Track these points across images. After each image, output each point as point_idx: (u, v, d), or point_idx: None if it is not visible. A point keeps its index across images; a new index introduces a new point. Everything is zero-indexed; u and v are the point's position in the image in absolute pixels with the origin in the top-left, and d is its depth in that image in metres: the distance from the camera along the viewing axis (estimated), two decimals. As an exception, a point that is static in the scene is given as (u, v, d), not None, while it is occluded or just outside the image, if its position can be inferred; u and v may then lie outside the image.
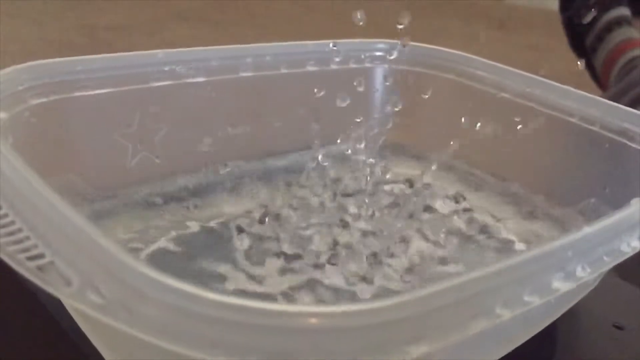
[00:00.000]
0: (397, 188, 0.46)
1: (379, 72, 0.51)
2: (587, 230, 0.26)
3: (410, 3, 0.42)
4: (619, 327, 0.38)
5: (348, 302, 0.30)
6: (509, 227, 0.44)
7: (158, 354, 0.21)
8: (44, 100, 0.36)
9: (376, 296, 0.35)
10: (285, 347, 0.19)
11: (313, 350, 0.19)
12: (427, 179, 0.46)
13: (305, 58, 0.47)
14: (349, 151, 0.45)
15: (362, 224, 0.41)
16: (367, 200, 0.43)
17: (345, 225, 0.40)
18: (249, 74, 0.44)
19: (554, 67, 0.47)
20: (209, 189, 0.44)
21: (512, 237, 0.43)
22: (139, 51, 0.41)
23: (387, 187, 0.46)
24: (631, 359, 0.36)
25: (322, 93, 0.44)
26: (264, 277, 0.36)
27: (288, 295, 0.35)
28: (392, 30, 0.44)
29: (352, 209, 0.43)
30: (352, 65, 0.49)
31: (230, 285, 0.35)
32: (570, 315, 0.35)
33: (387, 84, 0.51)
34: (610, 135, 0.41)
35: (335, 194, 0.43)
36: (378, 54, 0.51)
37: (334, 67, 0.47)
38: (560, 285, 0.24)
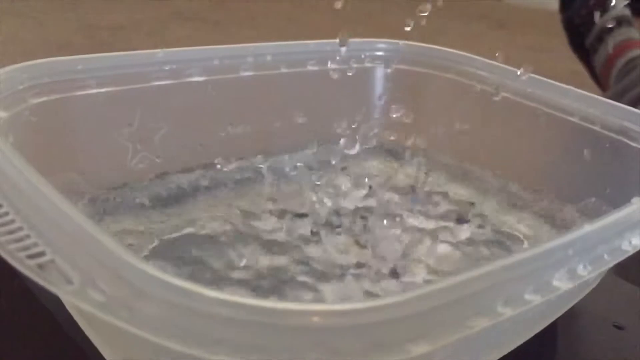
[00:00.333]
0: (397, 188, 0.47)
1: (379, 72, 0.51)
2: (588, 228, 0.26)
3: (410, 3, 0.42)
4: (619, 327, 0.38)
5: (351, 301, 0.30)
6: (509, 226, 0.44)
7: (158, 352, 0.21)
8: (44, 99, 0.36)
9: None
10: (287, 345, 0.19)
11: (314, 348, 0.19)
12: (426, 178, 0.46)
13: (306, 58, 0.47)
14: (349, 151, 0.45)
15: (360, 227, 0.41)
16: (367, 202, 0.43)
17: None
18: (250, 73, 0.44)
19: (554, 67, 0.47)
20: (210, 188, 0.44)
21: (512, 236, 0.43)
22: (139, 51, 0.41)
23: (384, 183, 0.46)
24: (631, 359, 0.36)
25: (322, 93, 0.44)
26: (265, 276, 0.36)
27: (289, 295, 0.35)
28: (393, 30, 0.44)
29: (351, 210, 0.43)
30: (352, 65, 0.49)
31: (230, 284, 0.35)
32: (570, 315, 0.35)
33: (387, 83, 0.51)
34: (610, 134, 0.41)
35: (334, 195, 0.43)
36: (378, 54, 0.51)
37: (334, 67, 0.47)
38: (561, 283, 0.24)
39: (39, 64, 0.36)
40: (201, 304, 0.19)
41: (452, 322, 0.21)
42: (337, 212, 0.42)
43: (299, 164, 0.47)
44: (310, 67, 0.47)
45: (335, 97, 0.45)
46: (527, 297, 0.23)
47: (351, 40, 0.45)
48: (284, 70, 0.46)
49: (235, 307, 0.19)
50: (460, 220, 0.44)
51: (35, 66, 0.36)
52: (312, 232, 0.40)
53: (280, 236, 0.40)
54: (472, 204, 0.45)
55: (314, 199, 0.43)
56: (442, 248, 0.40)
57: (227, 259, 0.37)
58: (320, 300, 0.34)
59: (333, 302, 0.34)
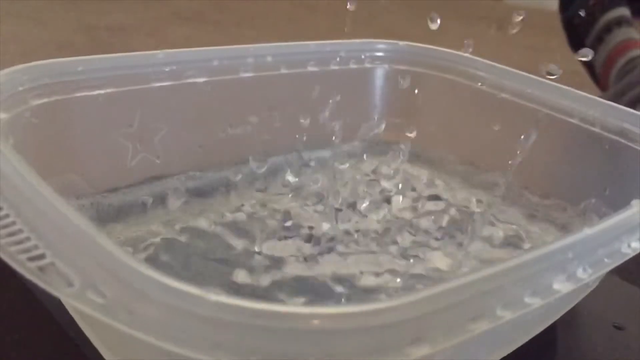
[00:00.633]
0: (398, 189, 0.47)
1: (379, 73, 0.51)
2: (588, 231, 0.26)
3: (410, 3, 0.41)
4: (619, 327, 0.38)
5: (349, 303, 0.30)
6: (508, 228, 0.44)
7: (159, 354, 0.21)
8: (45, 100, 0.36)
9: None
10: (286, 348, 0.19)
11: (314, 351, 0.19)
12: (425, 178, 0.46)
13: (306, 58, 0.47)
14: (349, 151, 0.45)
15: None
16: (366, 204, 0.43)
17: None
18: (250, 74, 0.44)
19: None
20: (210, 188, 0.44)
21: (511, 238, 0.43)
22: (139, 51, 0.41)
23: (386, 185, 0.46)
24: (631, 359, 0.36)
25: (322, 93, 0.44)
26: (266, 276, 0.36)
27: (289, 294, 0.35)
28: (392, 31, 0.44)
29: (351, 211, 0.43)
30: (352, 66, 0.49)
31: (231, 287, 0.35)
32: (570, 316, 0.35)
33: (387, 84, 0.51)
34: (610, 135, 0.41)
35: (333, 195, 0.43)
36: (378, 54, 0.51)
37: (334, 67, 0.47)
38: (561, 286, 0.24)
39: (39, 65, 0.36)
40: (201, 307, 0.19)
41: (452, 325, 0.21)
42: (337, 213, 0.42)
43: (299, 165, 0.47)
44: (310, 68, 0.47)
45: (335, 97, 0.45)
46: (527, 300, 0.23)
47: (351, 40, 0.45)
48: (284, 71, 0.46)
49: (235, 310, 0.19)
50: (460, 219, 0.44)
51: (35, 67, 0.36)
52: (311, 235, 0.40)
53: (280, 237, 0.40)
54: (471, 204, 0.46)
55: (314, 199, 0.43)
56: (443, 248, 0.40)
57: (228, 261, 0.37)
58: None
59: (333, 305, 0.34)
